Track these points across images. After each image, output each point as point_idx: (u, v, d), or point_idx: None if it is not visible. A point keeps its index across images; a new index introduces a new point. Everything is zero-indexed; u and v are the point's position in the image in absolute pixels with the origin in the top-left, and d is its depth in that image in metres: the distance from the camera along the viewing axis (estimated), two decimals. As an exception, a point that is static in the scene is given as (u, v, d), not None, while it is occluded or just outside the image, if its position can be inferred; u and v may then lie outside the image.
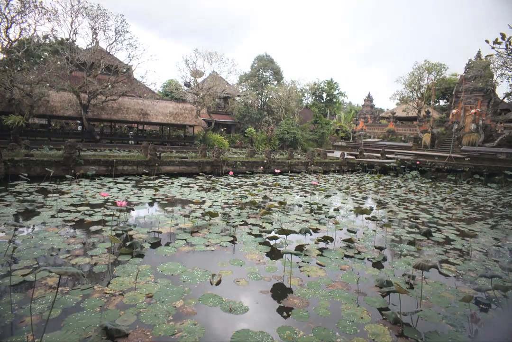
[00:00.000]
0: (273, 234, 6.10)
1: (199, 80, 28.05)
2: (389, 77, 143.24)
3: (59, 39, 21.38)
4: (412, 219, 8.42)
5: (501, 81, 36.33)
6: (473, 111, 27.36)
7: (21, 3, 15.86)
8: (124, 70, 23.12)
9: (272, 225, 7.05)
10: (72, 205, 7.79)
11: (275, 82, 39.91)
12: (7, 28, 15.92)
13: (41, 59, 23.12)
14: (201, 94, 25.81)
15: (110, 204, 8.05)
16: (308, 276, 4.58)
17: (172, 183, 12.16)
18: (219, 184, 12.55)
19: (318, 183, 14.41)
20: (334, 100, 45.07)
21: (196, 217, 7.31)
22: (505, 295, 4.35)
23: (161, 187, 11.19)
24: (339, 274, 4.71)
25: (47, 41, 22.62)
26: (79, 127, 24.46)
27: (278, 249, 5.60)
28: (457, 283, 4.65)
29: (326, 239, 6.18)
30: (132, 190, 10.16)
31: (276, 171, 13.77)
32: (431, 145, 28.66)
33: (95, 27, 18.92)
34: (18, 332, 2.96)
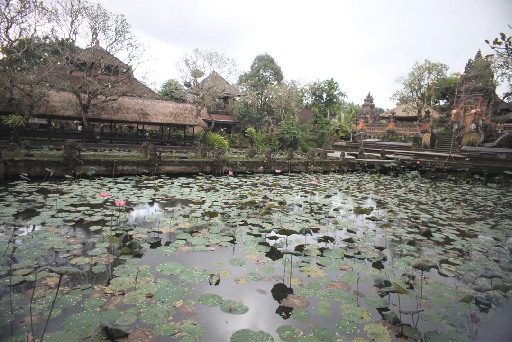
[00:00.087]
0: (273, 234, 6.10)
1: (199, 80, 28.05)
2: (389, 77, 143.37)
3: (59, 39, 21.38)
4: (412, 219, 8.42)
5: (502, 81, 36.38)
6: (473, 111, 27.36)
7: (21, 3, 15.87)
8: (124, 70, 23.13)
9: (272, 225, 7.05)
10: (72, 205, 7.79)
11: (275, 82, 39.92)
12: (7, 28, 15.93)
13: (41, 59, 23.14)
14: (201, 94, 25.81)
15: (110, 204, 8.05)
16: (308, 276, 4.58)
17: (172, 183, 12.16)
18: (219, 184, 12.55)
19: (318, 183, 14.41)
20: (334, 100, 45.05)
21: (196, 217, 7.31)
22: (505, 295, 4.35)
23: (161, 187, 11.19)
24: (339, 274, 4.71)
25: (47, 41, 22.62)
26: (79, 127, 24.48)
27: (278, 249, 5.60)
28: (457, 283, 4.65)
29: (326, 239, 6.17)
30: (132, 190, 10.16)
31: (276, 171, 13.77)
32: (431, 145, 28.66)
33: (95, 27, 18.92)
34: (18, 332, 2.96)
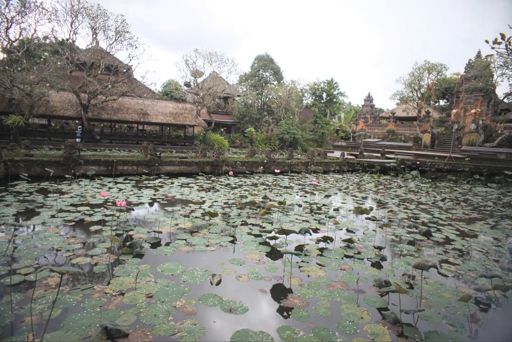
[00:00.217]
0: (273, 234, 6.10)
1: (199, 80, 28.05)
2: (389, 77, 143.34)
3: (59, 39, 21.40)
4: (412, 219, 8.42)
5: (502, 81, 36.38)
6: (473, 111, 27.36)
7: (21, 3, 15.87)
8: (124, 70, 23.11)
9: (272, 225, 7.05)
10: (72, 205, 7.79)
11: (275, 82, 39.91)
12: (7, 28, 15.93)
13: (41, 59, 23.11)
14: (201, 94, 25.80)
15: (110, 204, 8.05)
16: (308, 276, 4.58)
17: (172, 183, 12.16)
18: (219, 184, 12.55)
19: (318, 183, 14.42)
20: (334, 100, 45.10)
21: (196, 217, 7.32)
22: (505, 295, 4.35)
23: (161, 187, 11.19)
24: (339, 274, 4.71)
25: (47, 41, 22.62)
26: (79, 127, 24.48)
27: (278, 249, 5.60)
28: (457, 283, 4.65)
29: (326, 239, 6.17)
30: (132, 190, 10.16)
31: (276, 171, 13.77)
32: (431, 145, 28.66)
33: (95, 27, 18.92)
34: (18, 332, 2.96)
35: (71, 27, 18.51)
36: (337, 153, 24.97)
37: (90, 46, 19.66)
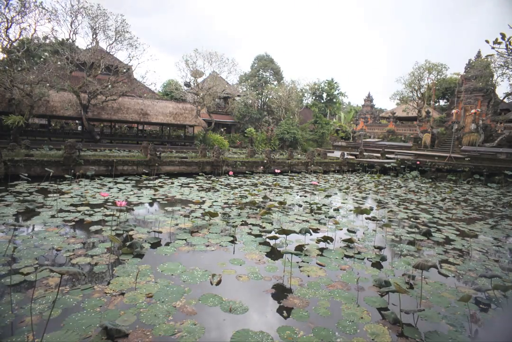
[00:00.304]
0: (273, 234, 6.10)
1: (199, 80, 28.04)
2: (389, 77, 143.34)
3: (59, 39, 21.40)
4: (412, 219, 8.42)
5: (502, 81, 36.38)
6: (473, 111, 27.35)
7: (21, 3, 15.87)
8: (124, 70, 23.11)
9: (272, 225, 7.05)
10: (72, 205, 7.79)
11: (275, 82, 39.92)
12: (7, 28, 15.93)
13: (41, 59, 23.13)
14: (201, 94, 25.80)
15: (110, 204, 8.05)
16: (308, 276, 4.58)
17: (172, 183, 12.16)
18: (219, 184, 12.55)
19: (318, 183, 14.42)
20: (334, 100, 45.10)
21: (196, 217, 7.32)
22: (505, 295, 4.35)
23: (161, 187, 11.19)
24: (339, 274, 4.71)
25: (47, 41, 22.63)
26: (79, 127, 24.49)
27: (278, 249, 5.60)
28: (457, 283, 4.65)
29: (326, 239, 6.18)
30: (132, 190, 10.17)
31: (276, 171, 13.77)
32: (431, 145, 28.65)
33: (95, 27, 18.92)
34: (18, 332, 2.96)
35: (71, 27, 18.53)
36: (337, 153, 24.97)
37: (90, 46, 19.66)
